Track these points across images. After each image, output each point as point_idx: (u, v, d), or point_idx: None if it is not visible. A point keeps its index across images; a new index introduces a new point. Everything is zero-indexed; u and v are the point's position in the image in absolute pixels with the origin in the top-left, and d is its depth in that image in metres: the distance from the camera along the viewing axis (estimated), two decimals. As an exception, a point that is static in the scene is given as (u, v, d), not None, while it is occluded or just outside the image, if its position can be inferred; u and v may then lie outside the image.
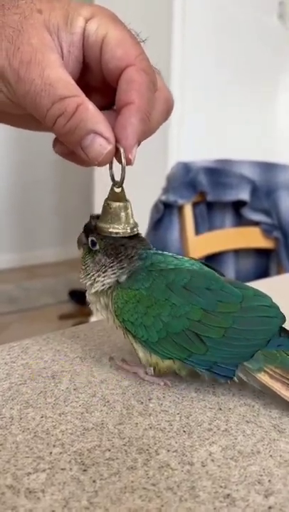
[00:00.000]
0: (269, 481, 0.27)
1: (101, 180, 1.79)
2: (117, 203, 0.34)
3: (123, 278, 0.35)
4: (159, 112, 0.33)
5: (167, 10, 1.49)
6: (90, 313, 2.24)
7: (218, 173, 1.42)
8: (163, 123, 0.34)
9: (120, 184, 0.33)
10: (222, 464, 0.28)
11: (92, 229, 0.36)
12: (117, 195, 0.34)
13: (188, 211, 1.35)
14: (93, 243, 0.36)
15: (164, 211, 1.35)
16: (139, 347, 0.35)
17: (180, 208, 1.35)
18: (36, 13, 0.29)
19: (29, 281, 3.22)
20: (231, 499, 0.25)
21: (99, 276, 0.36)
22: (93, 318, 1.91)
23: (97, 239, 0.36)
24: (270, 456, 0.29)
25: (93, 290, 0.36)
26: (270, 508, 0.25)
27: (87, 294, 0.37)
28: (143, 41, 0.32)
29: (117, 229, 0.34)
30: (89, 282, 0.37)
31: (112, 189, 0.34)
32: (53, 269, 3.49)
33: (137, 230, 0.36)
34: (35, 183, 3.59)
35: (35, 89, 0.28)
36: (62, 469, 0.27)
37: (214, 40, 1.62)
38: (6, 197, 3.49)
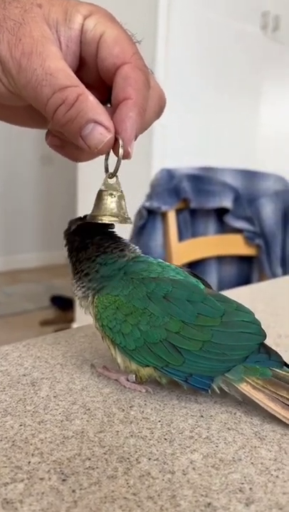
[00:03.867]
0: (250, 488, 0.27)
1: (85, 186, 1.79)
2: (111, 193, 0.34)
3: (98, 283, 0.36)
4: (152, 109, 0.34)
5: (151, 20, 1.51)
6: (72, 319, 2.22)
7: (202, 180, 1.44)
8: (156, 120, 0.35)
9: (114, 175, 0.33)
10: (203, 472, 0.28)
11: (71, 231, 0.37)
12: (111, 186, 0.34)
13: (171, 218, 1.36)
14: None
15: (148, 217, 1.35)
16: (118, 353, 0.35)
17: (163, 215, 1.36)
18: (36, 7, 0.29)
19: (11, 286, 3.18)
20: (212, 508, 0.25)
21: (76, 279, 0.37)
22: (75, 325, 1.89)
23: (65, 239, 0.38)
24: (252, 463, 0.29)
25: (77, 292, 0.37)
26: (251, 516, 0.24)
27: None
28: (138, 42, 0.33)
29: (109, 218, 0.34)
30: (73, 283, 0.38)
31: (105, 179, 0.34)
32: (35, 275, 3.46)
33: (131, 222, 0.36)
34: (19, 188, 3.56)
35: (36, 78, 0.28)
36: (40, 479, 0.26)
37: (197, 49, 1.64)
38: (-12, 201, 3.45)
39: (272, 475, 0.28)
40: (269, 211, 1.57)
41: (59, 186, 3.63)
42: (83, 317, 1.80)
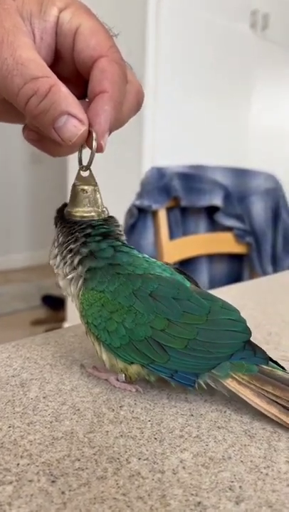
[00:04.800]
0: (240, 487, 0.27)
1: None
2: (85, 187, 0.34)
3: (80, 268, 0.35)
4: (130, 104, 0.33)
5: (140, 18, 1.50)
6: (63, 319, 2.22)
7: (192, 178, 1.44)
8: (134, 115, 0.35)
9: (87, 168, 0.33)
10: (193, 471, 0.28)
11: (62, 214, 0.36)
12: (84, 179, 0.34)
13: (162, 216, 1.35)
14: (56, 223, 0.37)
15: (138, 216, 1.35)
16: (103, 350, 0.35)
17: (154, 213, 1.36)
18: None
19: (1, 286, 3.16)
20: (202, 507, 0.25)
21: (60, 254, 0.36)
22: (66, 324, 1.89)
23: (57, 224, 0.36)
24: (241, 461, 0.29)
25: (60, 271, 0.36)
26: (240, 514, 0.25)
27: (56, 277, 0.37)
28: (115, 35, 0.32)
29: (85, 212, 0.34)
30: (52, 261, 0.37)
31: (78, 173, 0.34)
32: (26, 274, 3.44)
33: (106, 215, 0.35)
34: (8, 188, 3.53)
35: (7, 68, 0.28)
36: (29, 481, 0.26)
37: (187, 47, 1.64)
38: (-22, 200, 3.42)
39: (261, 473, 0.28)
40: (259, 209, 1.57)
41: (49, 185, 3.61)
42: (75, 316, 1.79)
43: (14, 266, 3.58)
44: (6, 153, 3.36)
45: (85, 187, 0.34)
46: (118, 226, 0.37)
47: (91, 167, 0.33)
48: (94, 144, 0.30)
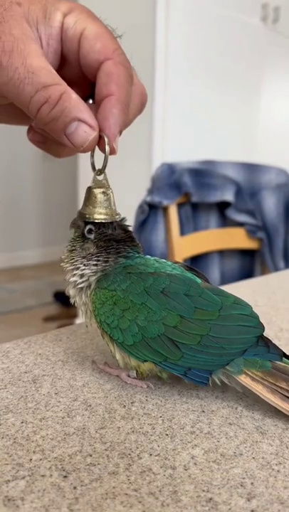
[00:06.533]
0: (251, 483, 0.27)
1: (85, 183, 1.78)
2: (100, 189, 0.34)
3: (102, 273, 0.35)
4: (135, 105, 0.34)
5: (150, 12, 1.49)
6: (75, 315, 2.23)
7: (203, 174, 1.43)
8: (138, 116, 0.35)
9: (102, 172, 0.34)
10: (204, 468, 0.28)
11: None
12: (99, 183, 0.34)
13: (173, 212, 1.35)
14: (90, 231, 0.36)
15: (149, 212, 1.35)
16: (116, 348, 0.35)
17: (165, 209, 1.35)
18: (15, 5, 0.29)
19: (13, 283, 3.19)
20: (213, 503, 0.25)
21: (82, 263, 0.36)
22: (78, 320, 1.89)
23: (95, 228, 0.36)
24: (253, 458, 0.29)
25: (72, 279, 0.36)
26: (252, 511, 0.24)
27: (67, 287, 0.37)
28: (119, 36, 0.33)
29: (100, 214, 0.34)
30: (70, 267, 0.36)
31: (94, 177, 0.34)
32: (37, 271, 3.47)
33: (119, 217, 0.36)
34: (20, 185, 3.56)
35: (18, 76, 0.28)
36: (42, 476, 0.26)
37: (198, 42, 1.62)
38: (-10, 198, 3.45)
39: (273, 469, 0.28)
40: (271, 204, 1.56)
41: (60, 183, 3.63)
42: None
43: (26, 263, 3.61)
44: (17, 150, 3.38)
45: (104, 190, 0.34)
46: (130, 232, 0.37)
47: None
48: (107, 148, 0.31)
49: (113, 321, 0.34)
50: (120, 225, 0.36)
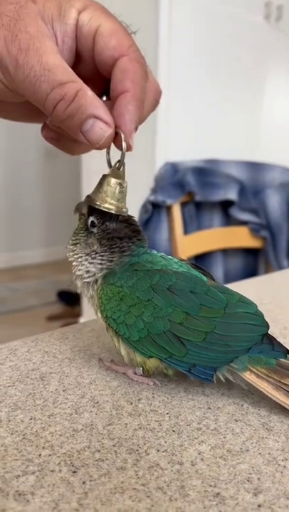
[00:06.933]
0: (258, 479, 0.27)
1: (89, 181, 1.79)
2: (117, 180, 0.34)
3: (108, 270, 0.35)
4: (149, 102, 0.34)
5: (153, 10, 1.50)
6: (78, 314, 2.23)
7: (206, 173, 1.43)
8: (152, 112, 0.35)
9: (121, 165, 0.33)
10: (211, 463, 0.28)
11: (95, 208, 0.35)
12: (117, 173, 0.34)
13: (176, 211, 1.35)
14: (92, 224, 0.36)
15: (153, 211, 1.35)
16: (121, 344, 0.35)
17: (168, 208, 1.36)
18: (31, 3, 0.29)
19: (16, 282, 3.20)
20: (221, 498, 0.25)
21: (86, 260, 0.36)
22: (82, 319, 1.90)
23: (98, 222, 0.35)
24: (259, 454, 0.29)
25: (78, 273, 0.36)
26: (259, 506, 0.25)
27: (73, 276, 0.37)
28: (134, 33, 0.33)
29: (111, 205, 0.34)
30: (75, 263, 0.37)
31: (114, 167, 0.34)
32: (40, 270, 3.48)
33: (126, 212, 0.35)
34: (23, 184, 3.56)
35: (34, 74, 0.28)
36: (51, 471, 0.27)
37: (201, 40, 1.62)
38: (-7, 198, 3.46)
39: (279, 465, 0.28)
40: (274, 203, 1.56)
41: (63, 182, 3.63)
42: (90, 311, 1.81)
43: (29, 262, 3.62)
44: (20, 149, 3.39)
45: (122, 181, 0.34)
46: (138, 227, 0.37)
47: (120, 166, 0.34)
48: (123, 144, 0.31)
49: (119, 316, 0.34)
50: (125, 220, 0.36)
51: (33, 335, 0.45)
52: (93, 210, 0.35)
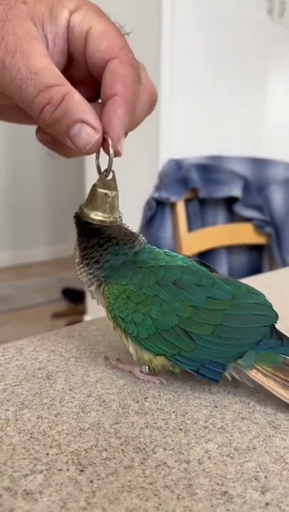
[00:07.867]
0: (265, 477, 0.27)
1: (92, 179, 1.79)
2: (107, 191, 0.33)
3: (106, 272, 0.35)
4: (143, 105, 0.33)
5: (156, 7, 1.49)
6: (83, 312, 2.24)
7: (210, 169, 1.43)
8: (147, 116, 0.34)
9: (107, 174, 0.33)
10: (218, 461, 0.28)
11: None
12: (106, 183, 0.33)
13: (180, 208, 1.35)
14: (84, 231, 0.35)
15: (157, 208, 1.35)
16: (130, 343, 0.35)
17: (172, 205, 1.35)
18: (21, 4, 0.29)
19: (21, 280, 3.21)
20: (228, 496, 0.25)
21: (86, 264, 0.36)
22: (87, 317, 1.91)
23: (88, 230, 0.35)
24: (266, 452, 0.29)
25: (81, 279, 0.37)
26: (267, 504, 0.25)
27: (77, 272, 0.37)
28: (127, 34, 0.32)
29: (100, 216, 0.33)
30: (77, 266, 0.37)
31: (102, 176, 0.33)
32: (45, 268, 3.48)
33: (120, 221, 0.35)
34: (27, 182, 3.57)
35: (21, 77, 0.28)
36: (59, 470, 0.27)
37: (203, 36, 1.62)
38: (-3, 196, 3.47)
39: (287, 463, 0.28)
40: (279, 199, 1.56)
41: (67, 179, 3.63)
42: (95, 309, 1.81)
43: (34, 260, 3.63)
44: (23, 147, 3.39)
45: (108, 192, 0.33)
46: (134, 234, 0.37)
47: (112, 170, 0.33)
48: (111, 150, 0.30)
49: (127, 315, 0.34)
50: (119, 227, 0.35)
51: (37, 332, 0.45)
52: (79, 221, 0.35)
